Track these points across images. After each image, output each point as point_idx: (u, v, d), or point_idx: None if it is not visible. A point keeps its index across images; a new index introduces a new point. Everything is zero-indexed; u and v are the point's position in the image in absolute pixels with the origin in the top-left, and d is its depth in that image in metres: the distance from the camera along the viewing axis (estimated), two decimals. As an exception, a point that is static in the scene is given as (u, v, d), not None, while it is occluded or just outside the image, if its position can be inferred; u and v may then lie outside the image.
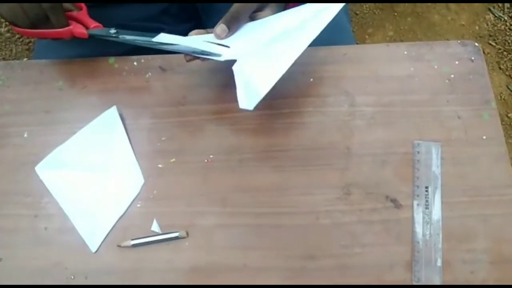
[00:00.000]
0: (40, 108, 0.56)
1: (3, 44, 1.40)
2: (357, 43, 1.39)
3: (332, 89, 0.56)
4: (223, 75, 0.52)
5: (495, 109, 0.54)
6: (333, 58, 0.58)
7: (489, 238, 0.49)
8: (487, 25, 1.47)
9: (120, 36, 0.52)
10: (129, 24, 0.58)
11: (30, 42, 1.40)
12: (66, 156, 0.53)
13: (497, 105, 0.55)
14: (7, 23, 1.42)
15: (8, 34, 1.41)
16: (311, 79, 0.57)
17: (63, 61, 0.59)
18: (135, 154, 0.53)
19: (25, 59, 1.38)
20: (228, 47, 0.51)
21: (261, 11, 0.54)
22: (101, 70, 0.58)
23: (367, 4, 1.50)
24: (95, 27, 0.54)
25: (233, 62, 0.50)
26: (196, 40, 0.51)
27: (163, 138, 0.54)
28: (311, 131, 0.54)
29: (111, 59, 0.58)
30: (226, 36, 0.52)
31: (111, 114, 0.54)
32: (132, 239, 0.49)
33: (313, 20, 0.51)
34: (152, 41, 0.51)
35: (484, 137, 0.53)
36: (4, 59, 1.38)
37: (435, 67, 0.57)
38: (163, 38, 0.51)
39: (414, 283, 0.47)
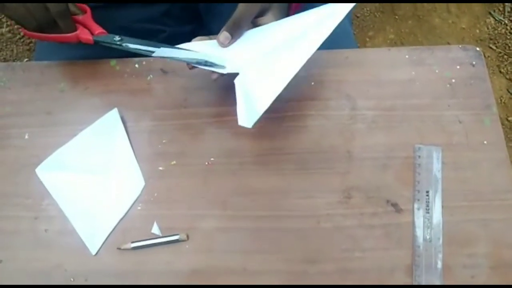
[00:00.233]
0: (41, 109, 0.56)
1: (4, 44, 1.40)
2: (357, 45, 1.39)
3: (333, 93, 0.56)
4: (224, 78, 0.52)
5: (496, 114, 0.54)
6: (335, 62, 0.58)
7: (489, 242, 0.49)
8: (488, 28, 1.48)
9: (124, 44, 0.52)
10: (130, 26, 0.58)
11: (31, 42, 1.40)
12: (67, 158, 0.53)
13: (497, 108, 0.55)
14: (8, 23, 1.42)
15: (9, 35, 1.41)
16: (313, 83, 0.57)
17: (65, 63, 0.59)
18: (136, 157, 0.53)
19: (25, 59, 1.38)
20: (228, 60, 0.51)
21: (264, 16, 0.54)
22: (102, 72, 0.58)
23: (368, 7, 1.50)
24: (100, 33, 0.54)
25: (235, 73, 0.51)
26: (199, 53, 0.51)
27: (164, 141, 0.54)
28: (312, 134, 0.54)
29: (113, 61, 0.58)
30: (230, 43, 0.52)
31: (112, 116, 0.54)
32: (133, 242, 0.49)
33: (316, 29, 0.50)
34: (153, 55, 0.51)
35: (485, 142, 0.53)
36: (5, 59, 1.38)
37: (436, 71, 0.57)
38: (165, 52, 0.51)
39: None
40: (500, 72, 1.41)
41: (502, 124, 1.32)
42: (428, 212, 0.50)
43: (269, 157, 0.53)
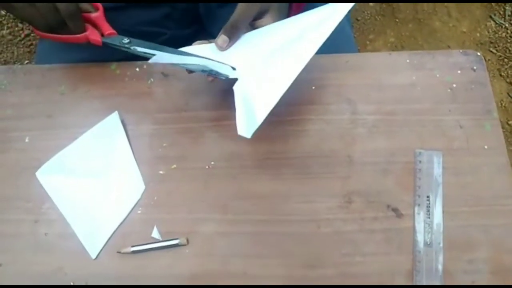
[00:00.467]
0: (42, 112, 0.56)
1: (5, 46, 1.40)
2: (358, 49, 1.40)
3: (334, 97, 0.56)
4: (223, 82, 0.51)
5: (496, 119, 0.54)
6: (335, 66, 0.58)
7: (490, 248, 0.49)
8: (488, 32, 1.48)
9: (132, 47, 0.52)
10: (131, 29, 0.58)
11: (31, 44, 1.40)
12: (67, 161, 0.53)
13: (497, 112, 0.55)
14: (9, 25, 1.42)
15: (10, 37, 1.41)
16: (313, 87, 0.57)
17: (65, 66, 0.59)
18: (136, 160, 0.53)
19: (26, 61, 1.38)
20: (234, 68, 0.51)
21: (262, 18, 0.54)
22: (103, 75, 0.58)
23: (369, 10, 1.51)
24: (110, 34, 0.54)
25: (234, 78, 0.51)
26: (205, 61, 0.51)
27: (164, 144, 0.54)
28: (313, 138, 0.54)
29: (113, 65, 0.58)
30: (228, 46, 0.52)
31: (113, 120, 0.54)
32: (132, 246, 0.49)
33: (315, 31, 0.50)
34: (153, 62, 0.50)
35: (486, 147, 0.53)
36: (5, 61, 1.38)
37: (437, 76, 0.57)
38: (167, 58, 0.50)
39: (415, 293, 0.47)
40: (501, 75, 1.41)
41: (503, 127, 1.32)
42: (428, 217, 0.50)
43: (270, 161, 0.53)
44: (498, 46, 1.45)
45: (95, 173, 0.52)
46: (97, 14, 0.55)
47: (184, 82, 0.57)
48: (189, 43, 0.53)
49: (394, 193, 0.51)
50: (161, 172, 0.53)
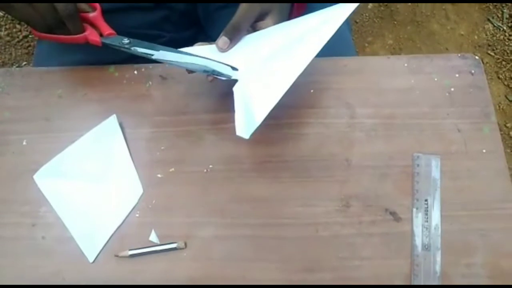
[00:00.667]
0: (40, 115, 0.56)
1: (3, 47, 1.40)
2: (356, 51, 1.40)
3: (332, 101, 0.56)
4: (223, 85, 0.51)
5: (495, 122, 0.54)
6: (334, 70, 0.58)
7: (488, 252, 0.49)
8: (486, 34, 1.48)
9: (132, 48, 0.52)
10: (130, 32, 0.58)
11: (29, 46, 1.40)
12: (65, 164, 0.52)
13: (495, 115, 0.55)
14: (7, 26, 1.42)
15: (8, 38, 1.41)
16: (312, 90, 0.57)
17: (63, 69, 0.59)
18: (134, 164, 0.53)
19: (24, 63, 1.38)
20: (235, 69, 0.51)
21: (263, 20, 0.54)
22: (101, 78, 0.58)
23: (367, 13, 1.51)
24: (109, 35, 0.53)
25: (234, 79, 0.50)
26: (207, 61, 0.51)
27: (162, 148, 0.54)
28: (311, 142, 0.54)
29: (111, 68, 0.58)
30: (229, 48, 0.52)
31: (111, 123, 0.54)
32: (130, 249, 0.49)
33: (315, 34, 0.50)
34: (158, 59, 0.51)
35: (484, 151, 0.53)
36: (3, 62, 1.38)
37: (435, 79, 0.57)
38: (171, 56, 0.50)
39: (413, 297, 0.47)
40: (499, 78, 1.41)
41: (500, 130, 1.32)
42: (427, 221, 0.50)
43: (268, 165, 0.53)
44: (496, 48, 1.46)
45: (93, 177, 0.52)
46: (95, 14, 0.54)
47: (182, 85, 0.57)
48: (188, 46, 0.53)
49: (392, 197, 0.51)
50: (159, 175, 0.52)
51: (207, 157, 0.53)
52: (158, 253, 0.49)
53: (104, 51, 0.57)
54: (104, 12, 0.55)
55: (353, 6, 0.51)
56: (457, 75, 0.57)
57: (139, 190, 0.52)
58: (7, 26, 1.42)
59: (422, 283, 0.47)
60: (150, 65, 0.58)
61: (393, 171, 0.52)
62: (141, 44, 0.52)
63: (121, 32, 0.54)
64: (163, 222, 0.50)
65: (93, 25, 0.54)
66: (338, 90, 0.57)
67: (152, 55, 0.51)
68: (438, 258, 0.48)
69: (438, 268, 0.48)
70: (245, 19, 0.51)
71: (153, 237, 0.49)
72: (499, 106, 1.37)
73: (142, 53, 0.52)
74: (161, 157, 0.53)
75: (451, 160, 0.53)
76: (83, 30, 0.53)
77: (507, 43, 1.46)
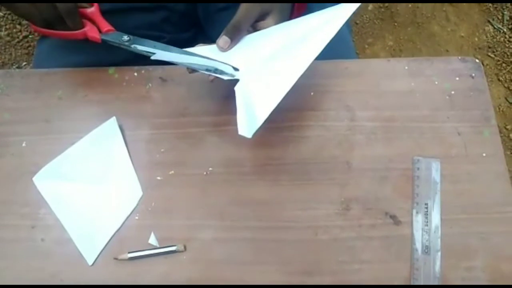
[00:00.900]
0: (39, 117, 0.56)
1: (3, 48, 1.40)
2: (356, 53, 1.40)
3: (333, 103, 0.56)
4: (223, 87, 0.51)
5: (495, 125, 0.54)
6: (335, 72, 0.58)
7: (488, 256, 0.49)
8: (487, 36, 1.48)
9: (132, 46, 0.52)
10: (130, 32, 0.58)
11: (29, 46, 1.40)
12: (64, 166, 0.52)
13: (495, 117, 0.55)
14: (7, 26, 1.42)
15: (8, 38, 1.40)
16: (312, 93, 0.57)
17: (63, 70, 0.59)
18: (134, 166, 0.53)
19: (24, 63, 1.38)
20: (237, 69, 0.51)
21: (264, 20, 0.54)
22: (101, 80, 0.58)
23: (367, 14, 1.51)
24: (108, 31, 0.53)
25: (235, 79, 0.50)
26: (209, 61, 0.51)
27: (162, 150, 0.54)
28: (312, 145, 0.54)
29: (111, 69, 0.58)
30: (229, 48, 0.52)
31: (111, 125, 0.54)
32: (129, 252, 0.48)
33: (317, 34, 0.50)
34: (160, 59, 0.50)
35: (484, 154, 0.53)
36: (3, 63, 1.38)
37: (436, 82, 0.57)
38: (174, 56, 0.50)
39: (413, 301, 0.47)
40: (499, 80, 1.41)
41: (500, 132, 1.32)
42: (426, 225, 0.50)
43: (268, 167, 0.53)
44: (496, 51, 1.46)
45: (93, 179, 0.52)
46: (93, 9, 0.54)
47: (182, 87, 0.57)
48: (188, 47, 0.53)
49: (392, 200, 0.51)
50: (158, 178, 0.52)
51: (207, 159, 0.53)
52: (157, 256, 0.49)
53: (104, 52, 0.57)
54: (104, 13, 0.55)
55: (354, 6, 0.51)
56: (457, 78, 0.57)
57: (139, 193, 0.51)
58: (7, 26, 1.42)
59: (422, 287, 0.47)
60: (150, 67, 0.58)
61: (393, 174, 0.52)
62: (141, 41, 0.52)
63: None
64: (163, 224, 0.50)
65: (92, 21, 0.54)
66: (338, 93, 0.56)
67: (152, 53, 0.50)
68: (438, 262, 0.48)
69: (438, 271, 0.48)
70: (246, 19, 0.51)
71: (152, 240, 0.49)
72: (499, 108, 1.37)
73: (142, 50, 0.51)
74: (160, 160, 0.53)
75: (451, 163, 0.53)
76: (82, 26, 0.52)
77: (507, 45, 1.46)
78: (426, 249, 0.49)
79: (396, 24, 1.50)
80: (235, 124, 0.53)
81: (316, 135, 0.54)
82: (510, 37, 1.48)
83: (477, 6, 1.53)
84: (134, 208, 0.51)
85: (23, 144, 0.54)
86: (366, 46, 1.46)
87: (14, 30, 1.42)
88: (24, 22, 1.41)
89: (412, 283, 0.48)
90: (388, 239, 0.50)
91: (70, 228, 0.50)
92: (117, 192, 0.52)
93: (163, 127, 0.55)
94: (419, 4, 1.52)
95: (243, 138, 0.53)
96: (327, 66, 0.58)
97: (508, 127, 1.34)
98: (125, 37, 0.52)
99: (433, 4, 1.51)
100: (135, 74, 0.58)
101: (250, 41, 0.53)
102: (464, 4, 1.52)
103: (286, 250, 0.49)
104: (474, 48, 1.46)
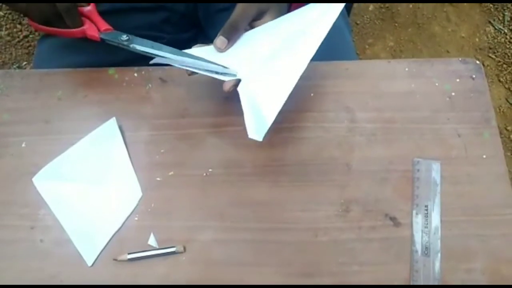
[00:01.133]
0: (39, 117, 0.56)
1: (3, 47, 1.40)
2: (357, 53, 1.40)
3: (332, 105, 0.56)
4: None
5: (495, 127, 0.54)
6: (335, 73, 0.58)
7: (488, 258, 0.49)
8: (487, 37, 1.48)
9: (131, 45, 0.52)
10: (129, 33, 0.58)
11: (30, 46, 1.40)
12: (64, 167, 0.52)
13: (496, 117, 0.55)
14: (7, 26, 1.42)
15: (8, 38, 1.40)
16: (312, 94, 0.57)
17: (63, 71, 0.59)
18: (133, 167, 0.53)
19: (24, 63, 1.38)
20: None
21: (261, 19, 0.54)
22: (101, 80, 0.58)
23: (368, 14, 1.51)
24: (106, 30, 0.53)
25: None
26: (206, 62, 0.50)
27: (162, 151, 0.54)
28: (311, 146, 0.54)
29: (111, 70, 0.58)
30: (227, 48, 0.52)
31: (110, 126, 0.54)
32: (129, 253, 0.48)
33: (314, 26, 0.50)
34: (161, 56, 0.50)
35: (484, 156, 0.53)
36: (3, 62, 1.38)
37: (436, 84, 0.57)
38: (173, 57, 0.50)
39: (412, 303, 0.47)
40: (499, 81, 1.41)
41: (501, 133, 1.32)
42: (426, 226, 0.50)
43: (268, 168, 0.53)
44: (497, 51, 1.45)
45: (92, 180, 0.52)
46: (90, 8, 0.53)
47: (182, 88, 0.57)
48: (188, 47, 0.52)
49: (392, 202, 0.51)
50: (158, 178, 0.52)
51: (206, 160, 0.53)
52: (157, 257, 0.49)
53: (104, 53, 0.57)
54: (104, 13, 0.55)
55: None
56: (457, 80, 0.57)
57: (138, 194, 0.51)
58: (7, 26, 1.42)
59: (421, 289, 0.47)
60: (150, 68, 0.58)
61: (393, 176, 0.52)
62: (140, 41, 0.52)
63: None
64: (162, 225, 0.50)
65: (91, 20, 0.54)
66: (338, 94, 0.56)
67: (151, 53, 0.50)
68: (438, 263, 0.48)
69: (437, 273, 0.48)
70: (243, 19, 0.51)
71: (152, 241, 0.49)
72: (500, 109, 1.37)
73: (140, 50, 0.51)
74: (160, 160, 0.53)
75: (451, 165, 0.53)
76: (82, 24, 0.52)
77: (508, 46, 1.46)
78: (426, 251, 0.49)
79: (396, 24, 1.50)
80: (235, 125, 0.53)
81: (316, 136, 0.54)
82: (511, 38, 1.47)
83: (478, 6, 1.52)
84: (134, 209, 0.51)
85: (23, 145, 0.54)
86: (367, 46, 1.46)
87: (15, 30, 1.41)
88: (25, 22, 1.41)
89: (411, 285, 0.48)
90: (388, 240, 0.49)
91: (69, 229, 0.50)
92: (116, 193, 0.51)
93: (163, 127, 0.55)
94: (420, 5, 1.51)
95: (242, 139, 0.53)
96: (327, 67, 0.58)
97: (508, 128, 1.34)
98: (124, 37, 0.52)
99: (434, 4, 1.51)
100: (135, 74, 0.58)
101: (247, 39, 0.53)
102: (465, 4, 1.52)
103: (286, 251, 0.49)
104: (475, 48, 1.46)
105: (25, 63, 1.38)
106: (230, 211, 0.51)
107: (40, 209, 0.51)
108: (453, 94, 0.56)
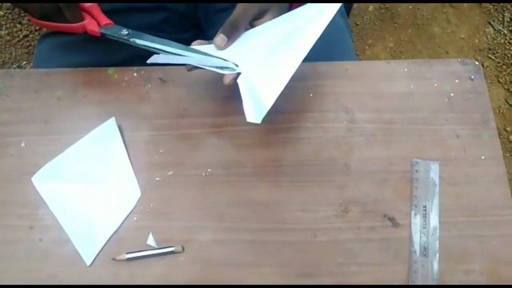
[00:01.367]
0: (39, 117, 0.56)
1: (3, 47, 1.40)
2: (357, 54, 1.40)
3: (332, 105, 0.56)
4: (223, 88, 0.51)
5: (494, 128, 0.54)
6: (334, 74, 0.58)
7: (486, 259, 0.49)
8: (487, 38, 1.48)
9: (131, 40, 0.52)
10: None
11: (30, 45, 1.40)
12: (63, 167, 0.52)
13: (495, 118, 0.55)
14: (7, 25, 1.42)
15: (8, 37, 1.40)
16: (311, 94, 0.57)
17: (63, 71, 0.59)
18: (132, 166, 0.53)
19: (24, 62, 1.38)
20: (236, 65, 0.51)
21: (262, 18, 0.54)
22: (100, 80, 0.58)
23: (368, 15, 1.51)
24: (106, 25, 0.53)
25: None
26: (207, 57, 0.51)
27: (161, 151, 0.54)
28: (311, 146, 0.54)
29: (111, 70, 0.58)
30: (226, 46, 0.52)
31: (110, 126, 0.54)
32: (128, 253, 0.48)
33: (312, 23, 0.50)
34: (163, 50, 0.51)
35: (483, 157, 0.53)
36: (3, 62, 1.38)
37: (435, 85, 0.57)
38: (172, 51, 0.51)
39: (411, 304, 0.47)
40: (499, 82, 1.41)
41: (500, 134, 1.33)
42: (425, 227, 0.50)
43: (267, 169, 0.53)
44: (497, 52, 1.46)
45: (91, 179, 0.52)
46: (92, 5, 0.54)
47: (182, 88, 0.57)
48: (187, 48, 0.53)
49: (391, 202, 0.51)
50: (157, 178, 0.52)
51: (206, 160, 0.53)
52: (155, 257, 0.49)
53: (104, 52, 0.57)
54: (104, 13, 0.55)
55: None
56: (456, 81, 0.57)
57: (137, 193, 0.51)
58: (7, 25, 1.42)
59: (420, 289, 0.47)
60: (150, 68, 0.58)
61: (392, 177, 0.52)
62: (140, 35, 0.52)
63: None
64: (161, 225, 0.50)
65: (91, 15, 0.54)
66: (337, 95, 0.56)
67: (152, 48, 0.50)
68: (436, 264, 0.48)
69: (436, 274, 0.48)
70: (243, 18, 0.51)
71: (150, 241, 0.49)
72: (499, 110, 1.37)
73: (141, 45, 0.51)
74: (159, 160, 0.53)
75: (450, 166, 0.53)
76: (82, 19, 0.52)
77: (507, 47, 1.46)
78: (424, 251, 0.49)
79: (396, 25, 1.50)
80: (235, 125, 0.53)
81: (315, 136, 0.54)
82: (510, 39, 1.48)
83: (478, 7, 1.53)
84: (133, 209, 0.51)
85: (22, 145, 0.54)
86: (367, 47, 1.46)
87: (15, 29, 1.42)
88: (25, 21, 1.41)
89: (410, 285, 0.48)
90: (387, 241, 0.50)
91: (68, 229, 0.50)
92: (115, 192, 0.52)
93: (162, 127, 0.55)
94: (420, 5, 1.52)
95: (242, 139, 0.53)
96: (326, 68, 0.58)
97: (508, 129, 1.34)
98: (124, 31, 0.52)
99: (433, 5, 1.51)
100: (135, 74, 0.58)
101: (247, 38, 0.53)
102: (465, 5, 1.52)
103: (285, 251, 0.49)
104: (475, 49, 1.46)
105: (25, 62, 1.38)
106: (230, 211, 0.51)
107: (40, 209, 0.51)
108: (452, 95, 0.56)
